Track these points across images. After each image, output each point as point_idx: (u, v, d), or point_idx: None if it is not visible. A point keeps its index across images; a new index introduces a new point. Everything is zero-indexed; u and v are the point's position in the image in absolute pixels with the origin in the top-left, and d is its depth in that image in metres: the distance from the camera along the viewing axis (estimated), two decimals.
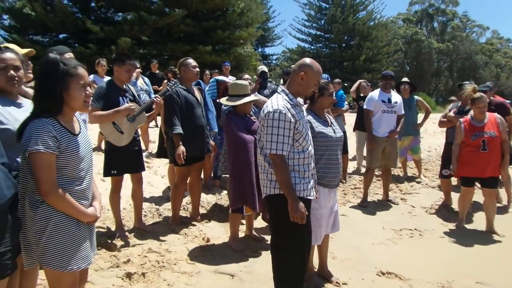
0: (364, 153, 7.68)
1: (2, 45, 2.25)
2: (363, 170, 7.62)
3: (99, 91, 3.66)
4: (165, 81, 8.31)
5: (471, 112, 4.62)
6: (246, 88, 3.81)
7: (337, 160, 3.04)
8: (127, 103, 3.73)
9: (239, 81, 3.89)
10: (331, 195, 3.09)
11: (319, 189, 2.89)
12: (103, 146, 4.58)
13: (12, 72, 2.13)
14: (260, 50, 36.92)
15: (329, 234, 3.34)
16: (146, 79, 7.42)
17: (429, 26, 51.11)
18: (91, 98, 2.07)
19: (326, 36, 35.63)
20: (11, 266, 1.79)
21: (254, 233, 4.16)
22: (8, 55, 2.16)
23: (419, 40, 44.15)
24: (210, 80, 6.41)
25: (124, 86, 3.82)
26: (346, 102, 7.27)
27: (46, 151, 1.80)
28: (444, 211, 5.40)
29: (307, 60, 2.61)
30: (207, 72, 7.46)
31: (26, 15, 18.03)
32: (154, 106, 3.85)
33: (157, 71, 9.16)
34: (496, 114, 4.64)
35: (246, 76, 4.69)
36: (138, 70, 7.25)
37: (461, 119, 4.66)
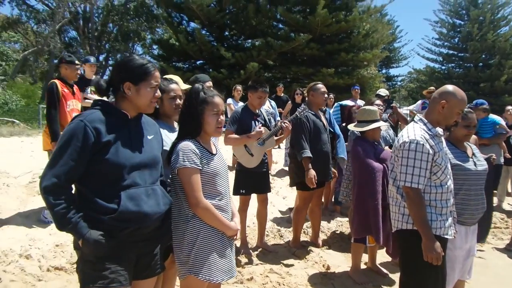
0: (509, 189, 6.79)
1: (167, 77, 2.63)
2: (504, 206, 6.72)
3: (234, 115, 3.99)
4: (289, 102, 8.57)
5: None
6: (375, 114, 3.73)
7: (477, 196, 2.72)
8: (259, 127, 3.98)
9: (367, 107, 3.82)
10: (468, 235, 2.78)
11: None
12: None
13: (178, 101, 2.50)
14: (384, 71, 35.58)
15: (465, 280, 3.00)
16: (273, 103, 7.77)
17: None
18: (222, 124, 2.27)
19: (460, 55, 32.61)
20: (159, 266, 2.08)
21: (377, 265, 3.97)
22: (176, 86, 2.55)
23: None
24: (334, 105, 6.41)
25: (257, 111, 4.09)
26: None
27: (192, 166, 2.04)
28: None
29: (450, 87, 2.41)
30: (331, 96, 7.49)
31: (171, 45, 20.59)
32: (282, 131, 4.01)
33: (282, 94, 9.51)
34: None
35: (378, 102, 4.58)
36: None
37: None
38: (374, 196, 3.49)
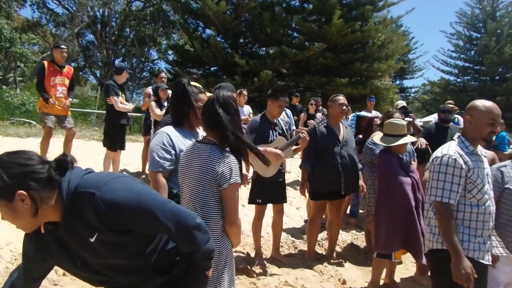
0: None
1: (195, 85, 2.58)
2: None
3: (252, 124, 3.96)
4: (303, 113, 8.53)
5: None
6: (403, 129, 3.66)
7: None
8: (276, 136, 3.95)
9: (395, 120, 3.74)
10: (509, 256, 2.69)
11: None
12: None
13: None
14: (398, 82, 35.32)
15: None
16: (288, 111, 7.72)
17: None
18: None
19: (476, 68, 32.25)
20: None
21: (395, 281, 3.88)
22: (204, 96, 2.50)
23: None
24: (351, 115, 6.35)
25: (275, 120, 4.05)
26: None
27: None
28: None
29: (475, 101, 2.38)
30: (347, 107, 7.44)
31: (186, 51, 20.76)
32: (300, 142, 3.97)
33: (297, 104, 9.48)
34: None
35: (397, 114, 4.51)
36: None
37: None
38: (406, 210, 3.38)
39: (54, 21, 24.68)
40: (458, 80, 33.39)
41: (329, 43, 18.29)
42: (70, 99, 5.71)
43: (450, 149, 2.26)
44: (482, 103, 2.32)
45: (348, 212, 5.83)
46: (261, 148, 3.82)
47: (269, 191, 4.01)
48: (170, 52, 24.48)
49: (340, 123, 4.31)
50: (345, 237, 5.17)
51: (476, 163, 2.26)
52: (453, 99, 31.11)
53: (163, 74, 6.45)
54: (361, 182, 4.35)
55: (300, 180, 4.38)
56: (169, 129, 2.43)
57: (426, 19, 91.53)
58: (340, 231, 5.28)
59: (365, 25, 18.61)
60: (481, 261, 2.23)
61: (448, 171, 2.20)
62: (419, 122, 11.21)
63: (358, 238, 5.16)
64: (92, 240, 1.39)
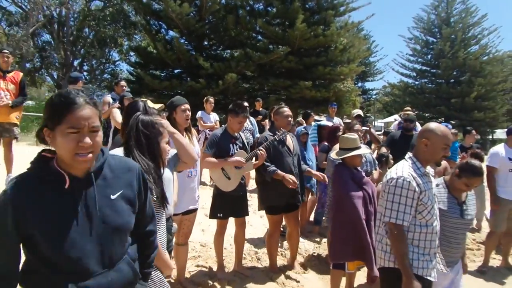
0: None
1: (153, 106, 2.52)
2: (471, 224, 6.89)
3: (213, 139, 3.91)
4: (266, 120, 8.55)
5: None
6: (356, 142, 3.74)
7: (460, 242, 2.79)
8: (237, 150, 3.93)
9: (348, 135, 3.82)
10: (448, 273, 2.81)
11: None
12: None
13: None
14: (360, 85, 36.31)
15: None
16: (252, 119, 7.73)
17: None
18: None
19: (433, 71, 33.68)
20: None
21: None
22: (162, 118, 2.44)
23: None
24: (312, 125, 6.42)
25: (236, 134, 4.03)
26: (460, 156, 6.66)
27: None
28: None
29: (431, 125, 2.46)
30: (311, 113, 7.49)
31: (149, 53, 20.33)
32: (257, 158, 3.94)
33: (261, 109, 9.49)
34: None
35: (357, 126, 4.61)
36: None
37: None
38: (356, 222, 3.46)
39: (7, 20, 23.46)
40: (416, 82, 34.73)
41: (292, 46, 18.51)
42: (10, 102, 5.42)
43: (405, 171, 2.32)
44: (439, 128, 2.40)
45: (312, 219, 5.90)
46: (221, 160, 3.82)
47: (230, 205, 3.98)
48: (132, 53, 23.91)
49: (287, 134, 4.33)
50: (308, 246, 5.22)
51: (427, 184, 2.34)
52: (412, 101, 32.29)
53: (123, 83, 6.26)
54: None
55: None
56: (118, 152, 2.36)
57: (386, 24, 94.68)
58: (303, 240, 5.36)
59: (327, 30, 18.97)
60: (428, 278, 2.33)
61: (402, 193, 2.26)
62: (380, 123, 11.62)
63: (320, 247, 5.22)
64: (114, 197, 1.47)
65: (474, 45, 32.35)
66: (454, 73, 32.22)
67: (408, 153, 2.50)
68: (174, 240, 3.64)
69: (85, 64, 27.10)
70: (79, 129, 1.33)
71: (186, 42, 19.74)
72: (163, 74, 20.42)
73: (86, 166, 1.39)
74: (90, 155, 1.36)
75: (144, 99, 2.64)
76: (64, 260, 1.34)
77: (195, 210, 3.62)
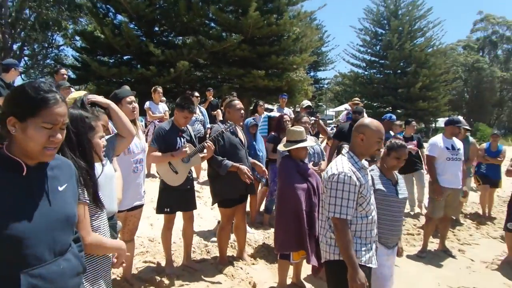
0: (414, 193, 7.34)
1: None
2: (408, 210, 7.29)
3: (159, 132, 3.81)
4: (219, 110, 8.45)
5: None
6: (301, 134, 3.78)
7: (398, 221, 2.93)
8: (184, 143, 3.84)
9: (294, 128, 3.86)
10: (389, 254, 2.96)
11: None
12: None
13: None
14: (312, 74, 36.94)
15: None
16: (203, 109, 7.62)
17: (492, 54, 48.56)
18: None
19: (381, 62, 34.98)
20: None
21: (302, 281, 4.05)
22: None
23: (480, 68, 42.02)
24: (262, 117, 6.44)
25: (183, 127, 3.94)
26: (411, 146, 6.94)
27: None
28: (507, 268, 4.95)
29: (365, 120, 2.56)
30: (261, 103, 7.48)
31: (96, 38, 19.42)
32: (206, 150, 3.89)
33: (212, 98, 9.37)
34: None
35: (305, 119, 4.67)
36: (195, 99, 7.48)
37: None
38: (297, 214, 3.53)
39: None
40: (366, 73, 35.90)
41: (246, 35, 18.42)
42: None
43: (344, 166, 2.38)
44: (373, 122, 2.50)
45: (262, 209, 5.95)
46: (167, 154, 3.73)
47: (177, 200, 3.91)
48: (77, 38, 22.67)
49: (237, 127, 4.32)
50: (258, 237, 5.27)
51: (364, 177, 2.43)
52: (361, 90, 33.37)
53: (63, 71, 5.91)
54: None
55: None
56: None
57: (338, 14, 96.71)
58: (254, 230, 5.41)
59: (280, 19, 19.05)
60: (370, 265, 2.44)
61: (344, 188, 2.32)
62: (332, 111, 11.97)
63: (270, 237, 5.28)
64: (61, 189, 1.50)
65: (419, 37, 33.95)
66: (401, 64, 33.66)
67: (345, 147, 2.58)
68: (119, 237, 3.54)
69: (26, 48, 25.37)
70: (54, 125, 1.39)
71: (135, 27, 19.06)
72: (111, 61, 19.61)
73: (50, 160, 1.46)
74: (56, 150, 1.44)
75: (85, 92, 2.51)
76: (16, 247, 1.32)
77: (141, 206, 3.53)
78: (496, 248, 5.69)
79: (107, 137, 2.42)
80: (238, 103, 4.23)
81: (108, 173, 2.30)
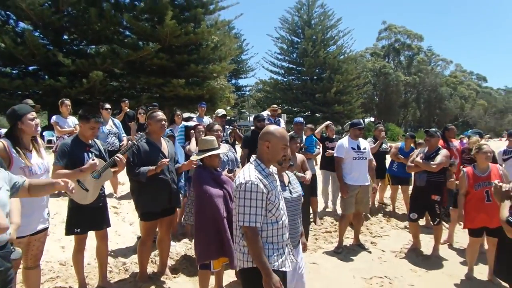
0: (329, 192, 7.76)
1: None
2: (329, 208, 7.68)
3: (63, 148, 3.56)
4: (133, 122, 8.12)
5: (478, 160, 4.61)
6: (213, 143, 3.80)
7: (294, 220, 3.00)
8: (93, 159, 3.63)
9: (206, 137, 3.88)
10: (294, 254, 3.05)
11: None
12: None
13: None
14: (233, 81, 37.41)
15: None
16: (117, 121, 7.29)
17: (396, 60, 53.48)
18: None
19: (298, 69, 36.59)
20: None
21: None
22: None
23: (387, 73, 46.06)
24: (179, 127, 6.34)
25: (90, 141, 3.73)
26: (318, 147, 7.35)
27: None
28: (413, 256, 5.45)
29: (270, 127, 2.61)
30: (178, 112, 7.34)
31: None
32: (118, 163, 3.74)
33: (128, 110, 8.99)
34: (498, 165, 4.74)
35: (217, 127, 4.69)
36: (107, 111, 7.14)
37: (464, 169, 4.73)
38: (215, 221, 3.53)
39: None
40: (285, 79, 37.30)
41: (163, 43, 18.11)
42: None
43: (251, 174, 2.43)
44: (277, 130, 2.58)
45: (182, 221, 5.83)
46: (75, 170, 3.49)
47: (88, 218, 3.68)
48: None
49: (162, 138, 4.23)
50: (179, 249, 5.16)
51: (272, 184, 2.50)
52: (282, 96, 34.59)
53: None
54: None
55: None
56: None
57: (256, 23, 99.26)
58: (175, 243, 5.29)
59: (198, 27, 19.03)
60: (283, 269, 2.50)
61: (252, 197, 2.36)
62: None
63: (191, 248, 5.21)
64: None
65: (332, 45, 36.20)
66: (317, 70, 35.55)
67: (253, 156, 2.63)
68: (22, 264, 3.24)
69: None
70: None
71: (41, 36, 17.73)
72: (14, 72, 17.99)
73: None
74: None
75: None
76: None
77: (45, 229, 3.27)
78: (404, 238, 6.23)
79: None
80: (159, 114, 4.11)
81: (1, 200, 2.11)
